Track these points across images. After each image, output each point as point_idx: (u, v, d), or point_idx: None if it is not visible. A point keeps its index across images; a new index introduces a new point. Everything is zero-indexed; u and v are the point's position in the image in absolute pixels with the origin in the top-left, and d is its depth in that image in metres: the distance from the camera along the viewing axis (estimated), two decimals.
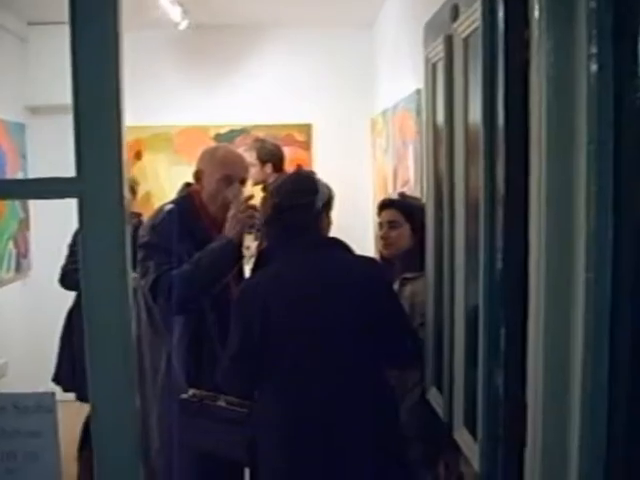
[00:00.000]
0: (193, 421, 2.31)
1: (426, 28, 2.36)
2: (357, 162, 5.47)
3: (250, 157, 4.21)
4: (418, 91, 3.29)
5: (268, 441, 2.13)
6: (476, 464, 1.71)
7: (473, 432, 1.80)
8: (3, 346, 4.70)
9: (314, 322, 2.12)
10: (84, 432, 3.51)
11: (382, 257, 2.74)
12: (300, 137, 5.53)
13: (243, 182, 2.67)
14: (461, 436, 1.93)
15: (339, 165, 5.46)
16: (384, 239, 2.66)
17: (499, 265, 1.59)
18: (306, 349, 2.10)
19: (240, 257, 2.57)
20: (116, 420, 1.18)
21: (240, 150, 4.24)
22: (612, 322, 1.30)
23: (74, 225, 1.25)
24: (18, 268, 4.79)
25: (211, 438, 2.28)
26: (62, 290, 3.69)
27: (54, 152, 5.25)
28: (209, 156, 2.71)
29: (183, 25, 4.64)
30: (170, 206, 2.66)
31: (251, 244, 3.04)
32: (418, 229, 2.47)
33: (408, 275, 2.54)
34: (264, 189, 4.07)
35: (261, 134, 5.50)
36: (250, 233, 2.69)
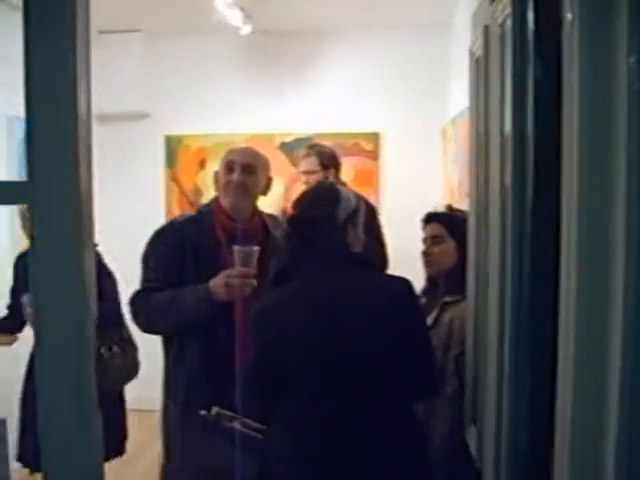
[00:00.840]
0: (209, 439, 2.14)
1: (473, 18, 2.11)
2: (428, 173, 5.15)
3: (310, 164, 3.94)
4: None
5: (278, 476, 1.93)
6: None
7: None
8: None
9: (333, 348, 1.89)
10: None
11: (428, 276, 2.49)
12: (368, 146, 5.31)
13: (249, 170, 2.50)
14: None
15: (409, 176, 5.21)
16: (426, 255, 2.41)
17: (525, 292, 1.34)
18: (325, 376, 1.89)
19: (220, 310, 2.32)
20: None
21: (300, 158, 4.09)
22: None
23: None
24: None
25: (223, 460, 2.09)
26: None
27: (121, 160, 5.28)
28: (224, 154, 2.62)
29: (245, 30, 4.52)
30: (175, 218, 2.63)
31: None
32: (464, 245, 2.21)
33: (448, 298, 2.28)
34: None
35: (328, 143, 5.34)
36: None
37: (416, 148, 5.23)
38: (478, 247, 1.94)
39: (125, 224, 4.99)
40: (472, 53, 2.04)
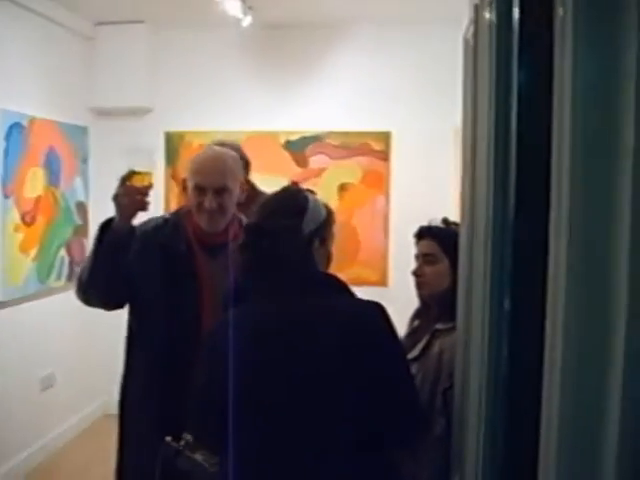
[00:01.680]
0: (172, 469, 1.90)
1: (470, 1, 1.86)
2: (440, 176, 4.85)
3: None
4: None
5: None
6: None
7: None
8: (52, 356, 4.51)
9: (285, 390, 1.63)
10: None
11: (421, 300, 2.22)
12: (377, 146, 5.05)
13: (222, 192, 2.32)
14: None
15: (420, 178, 4.95)
16: (416, 276, 2.14)
17: (506, 312, 1.09)
18: (273, 424, 1.63)
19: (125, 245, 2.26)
20: None
21: None
22: None
23: None
24: (71, 276, 4.57)
25: None
26: None
27: (119, 156, 5.08)
28: (189, 163, 2.45)
29: (246, 22, 4.29)
30: (155, 217, 2.46)
31: None
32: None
33: (440, 326, 2.01)
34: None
35: (335, 142, 5.11)
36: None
37: (428, 148, 4.97)
38: (470, 264, 1.69)
39: None
40: (465, 41, 1.79)
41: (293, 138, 5.11)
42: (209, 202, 2.29)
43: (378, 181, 5.08)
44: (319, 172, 5.12)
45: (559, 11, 0.95)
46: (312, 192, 1.89)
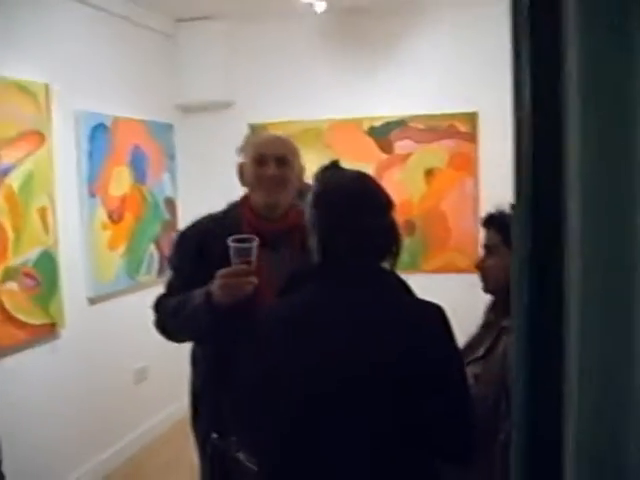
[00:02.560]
0: (217, 467, 1.88)
1: None
2: None
3: None
4: None
5: None
6: None
7: None
8: (144, 349, 4.63)
9: (334, 385, 1.55)
10: None
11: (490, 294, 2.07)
12: (463, 128, 4.87)
13: (283, 162, 2.21)
14: None
15: (509, 159, 4.72)
16: (478, 269, 2.00)
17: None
18: (320, 419, 1.56)
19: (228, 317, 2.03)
20: None
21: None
22: None
23: None
24: (161, 271, 4.67)
25: None
26: None
27: (205, 151, 5.15)
28: (244, 145, 2.36)
29: (320, 8, 4.21)
30: (200, 218, 2.35)
31: None
32: None
33: (506, 323, 1.83)
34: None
35: (420, 126, 4.95)
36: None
37: None
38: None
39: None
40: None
41: (377, 124, 5.00)
42: (271, 170, 2.19)
43: (466, 164, 4.89)
44: (405, 157, 4.99)
45: None
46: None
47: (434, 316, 1.60)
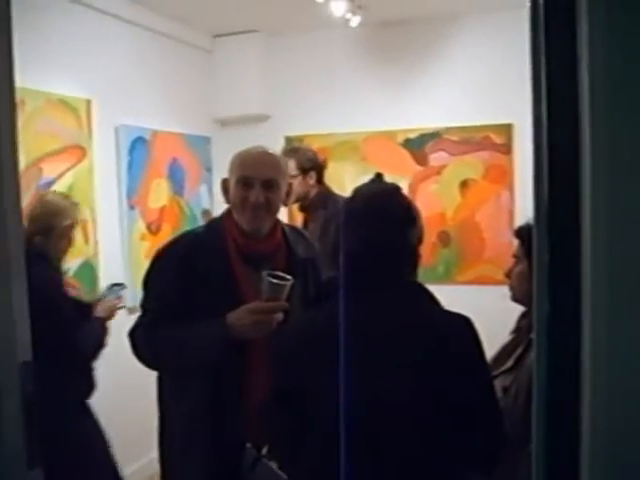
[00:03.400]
0: (250, 475, 1.91)
1: None
2: None
3: (289, 169, 3.52)
4: None
5: None
6: None
7: None
8: None
9: (364, 396, 1.57)
10: None
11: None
12: (499, 139, 4.86)
13: (270, 186, 2.09)
14: None
15: None
16: (507, 277, 2.02)
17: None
18: (349, 429, 1.57)
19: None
20: None
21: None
22: None
23: None
24: None
25: None
26: None
27: None
28: (232, 160, 2.20)
29: (355, 22, 4.26)
30: (182, 235, 2.25)
31: None
32: None
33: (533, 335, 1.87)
34: (303, 207, 3.48)
35: (455, 138, 4.96)
36: None
37: None
38: None
39: None
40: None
41: (412, 136, 5.02)
42: (256, 195, 2.06)
43: (501, 176, 4.88)
44: (439, 169, 5.00)
45: None
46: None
47: (461, 327, 1.63)
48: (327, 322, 1.66)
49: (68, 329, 2.72)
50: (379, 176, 1.82)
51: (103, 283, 3.83)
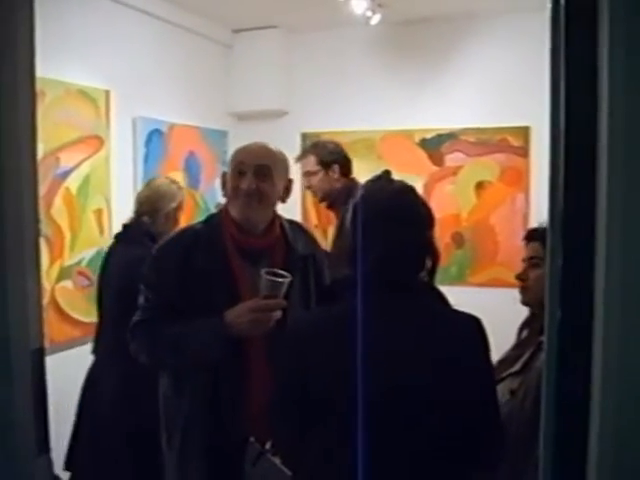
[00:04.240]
0: (252, 470, 1.91)
1: None
2: None
3: (309, 165, 3.43)
4: None
5: None
6: None
7: None
8: None
9: (373, 392, 1.56)
10: None
11: (526, 307, 2.08)
12: (516, 142, 4.84)
13: (263, 174, 2.07)
14: None
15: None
16: (520, 280, 2.01)
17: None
18: (354, 422, 1.58)
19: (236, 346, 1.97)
20: None
21: (300, 161, 3.51)
22: None
23: None
24: None
25: None
26: None
27: None
28: (232, 154, 2.20)
29: (375, 20, 4.25)
30: (180, 231, 2.25)
31: None
32: None
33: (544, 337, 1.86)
34: (329, 204, 3.37)
35: (471, 139, 4.94)
36: None
37: None
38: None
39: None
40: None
41: (428, 136, 5.01)
42: (247, 182, 2.03)
43: (517, 178, 4.86)
44: (455, 170, 4.99)
45: None
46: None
47: (470, 326, 1.63)
48: (338, 321, 1.66)
49: None
50: (387, 173, 1.82)
51: None
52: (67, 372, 3.47)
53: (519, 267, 2.10)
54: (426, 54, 4.96)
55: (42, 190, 3.32)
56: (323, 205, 3.54)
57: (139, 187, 4.10)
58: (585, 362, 0.92)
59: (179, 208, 3.18)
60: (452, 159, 4.99)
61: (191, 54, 4.74)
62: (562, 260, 0.99)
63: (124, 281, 2.79)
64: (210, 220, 2.21)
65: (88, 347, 3.73)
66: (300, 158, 3.50)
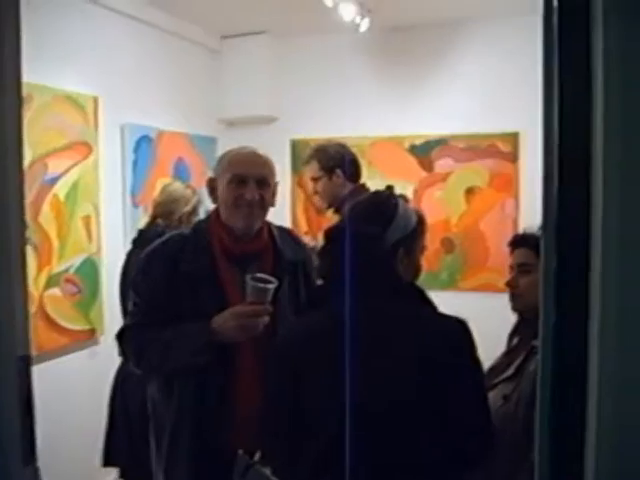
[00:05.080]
0: None
1: None
2: None
3: (313, 171, 3.35)
4: None
5: None
6: None
7: None
8: None
9: (359, 396, 1.56)
10: None
11: (516, 313, 2.08)
12: (505, 148, 4.85)
13: (263, 184, 2.10)
14: None
15: None
16: (510, 287, 2.01)
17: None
18: (345, 430, 1.57)
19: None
20: None
21: (305, 167, 3.47)
22: None
23: None
24: None
25: None
26: None
27: None
28: (221, 159, 2.20)
29: (364, 26, 4.25)
30: (169, 237, 2.23)
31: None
32: None
33: (536, 342, 1.85)
34: (336, 210, 3.28)
35: (461, 145, 4.95)
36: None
37: None
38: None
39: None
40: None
41: (418, 142, 5.01)
42: (251, 193, 2.05)
43: (507, 184, 4.87)
44: (445, 176, 4.99)
45: None
46: (405, 199, 1.84)
47: (457, 329, 1.63)
48: (324, 326, 1.67)
49: None
50: (389, 188, 1.83)
51: (105, 281, 3.83)
52: (56, 380, 3.45)
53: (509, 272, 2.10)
54: (415, 60, 4.97)
55: (30, 197, 3.29)
56: (330, 212, 3.48)
57: (128, 194, 4.08)
58: (580, 366, 0.92)
59: (193, 212, 3.26)
60: (442, 165, 5.00)
61: (180, 60, 4.73)
62: (556, 263, 0.98)
63: None
64: (198, 225, 2.23)
65: (77, 355, 3.72)
66: (305, 164, 3.46)
